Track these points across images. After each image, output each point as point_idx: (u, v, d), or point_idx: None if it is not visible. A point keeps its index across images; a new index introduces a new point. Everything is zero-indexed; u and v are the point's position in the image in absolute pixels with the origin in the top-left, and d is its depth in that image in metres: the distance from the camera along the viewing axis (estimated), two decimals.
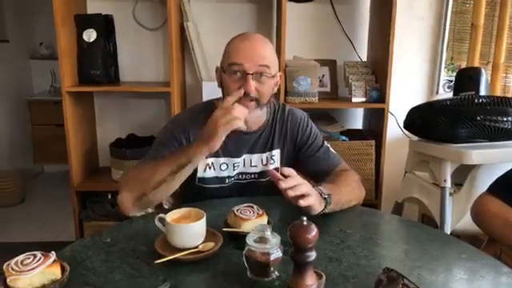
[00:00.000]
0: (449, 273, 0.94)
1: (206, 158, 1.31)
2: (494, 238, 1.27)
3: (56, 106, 3.26)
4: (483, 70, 2.03)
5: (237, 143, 1.32)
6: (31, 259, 0.81)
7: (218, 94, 1.30)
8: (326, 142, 1.41)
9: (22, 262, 0.81)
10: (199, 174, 1.32)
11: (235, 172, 1.35)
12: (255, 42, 1.23)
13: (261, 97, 1.22)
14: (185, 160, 1.11)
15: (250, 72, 1.19)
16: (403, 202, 2.14)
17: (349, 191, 1.24)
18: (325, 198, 1.11)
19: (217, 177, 1.34)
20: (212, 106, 1.29)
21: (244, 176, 1.37)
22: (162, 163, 1.15)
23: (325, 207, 1.12)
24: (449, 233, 1.74)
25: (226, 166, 1.33)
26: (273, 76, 1.24)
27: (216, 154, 1.31)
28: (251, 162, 1.36)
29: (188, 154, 1.10)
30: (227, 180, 1.35)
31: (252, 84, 1.18)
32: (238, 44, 1.23)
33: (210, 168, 1.32)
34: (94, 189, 2.34)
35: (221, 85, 1.28)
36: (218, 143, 1.09)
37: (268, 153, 1.36)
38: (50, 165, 4.00)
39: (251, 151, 1.35)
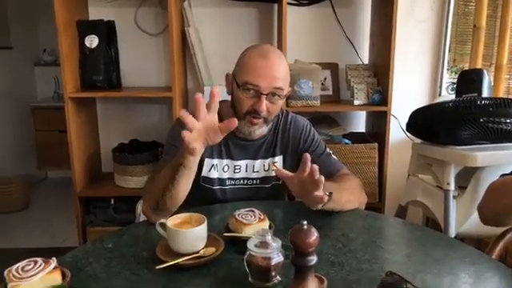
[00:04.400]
0: (453, 276, 0.93)
1: (213, 158, 1.32)
2: (492, 210, 1.14)
3: (59, 112, 3.25)
4: (485, 72, 2.01)
5: (239, 147, 1.35)
6: (32, 265, 0.81)
7: (221, 98, 1.30)
8: (328, 149, 1.42)
9: (22, 268, 0.80)
10: (204, 173, 1.33)
11: (237, 176, 1.37)
12: (272, 60, 1.23)
13: (270, 115, 1.27)
14: (175, 163, 1.08)
15: (265, 93, 1.21)
16: (407, 205, 2.12)
17: (349, 191, 1.24)
18: (326, 194, 1.10)
19: (219, 178, 1.36)
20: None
21: (246, 181, 1.38)
22: (164, 170, 1.14)
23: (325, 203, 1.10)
24: (453, 236, 1.73)
25: (227, 168, 1.36)
26: (284, 95, 1.26)
27: (220, 156, 1.34)
28: (253, 168, 1.38)
29: (178, 157, 1.08)
30: (228, 182, 1.36)
31: (264, 104, 1.22)
32: (255, 61, 1.23)
33: (214, 169, 1.35)
34: (97, 194, 2.34)
35: (231, 94, 1.29)
36: (189, 146, 1.01)
37: (270, 159, 1.38)
38: (54, 170, 4.01)
39: (254, 157, 1.37)
